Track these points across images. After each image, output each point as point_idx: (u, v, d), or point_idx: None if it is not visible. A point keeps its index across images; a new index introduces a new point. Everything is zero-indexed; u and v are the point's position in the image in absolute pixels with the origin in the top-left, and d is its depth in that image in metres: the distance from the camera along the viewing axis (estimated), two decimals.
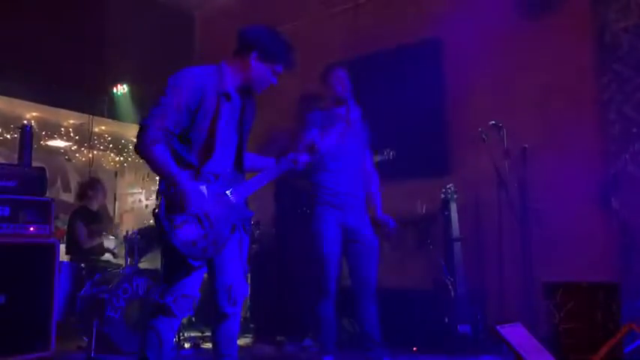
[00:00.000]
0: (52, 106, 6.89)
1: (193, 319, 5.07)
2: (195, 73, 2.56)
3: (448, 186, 4.53)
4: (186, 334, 4.72)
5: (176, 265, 2.50)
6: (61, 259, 4.37)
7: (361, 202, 3.71)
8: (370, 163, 3.89)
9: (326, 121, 3.65)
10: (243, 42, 2.67)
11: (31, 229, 3.92)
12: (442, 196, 4.55)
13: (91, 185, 5.82)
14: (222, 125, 2.56)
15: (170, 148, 2.50)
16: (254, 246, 5.10)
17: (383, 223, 3.75)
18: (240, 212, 2.62)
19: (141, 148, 2.46)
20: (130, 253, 4.73)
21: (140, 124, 2.48)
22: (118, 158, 8.32)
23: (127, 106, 6.86)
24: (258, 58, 2.64)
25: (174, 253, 2.44)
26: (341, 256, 3.63)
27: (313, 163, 3.65)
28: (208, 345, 4.37)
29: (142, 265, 4.79)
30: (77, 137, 7.74)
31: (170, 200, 2.43)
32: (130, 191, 8.72)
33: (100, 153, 8.11)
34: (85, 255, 5.31)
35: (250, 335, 5.06)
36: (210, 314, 2.70)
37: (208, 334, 4.56)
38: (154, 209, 2.44)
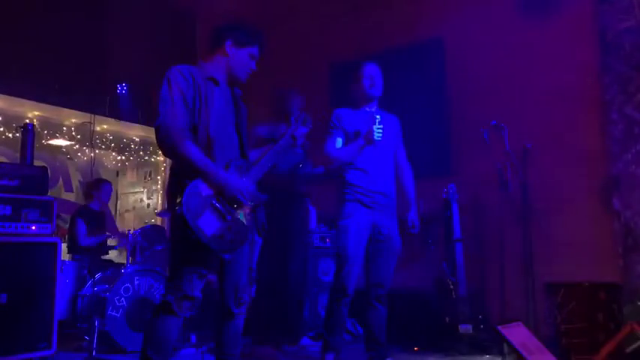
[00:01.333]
0: (54, 105, 6.90)
1: (195, 318, 5.07)
2: (180, 66, 2.61)
3: (450, 186, 4.53)
4: (187, 334, 4.72)
5: (184, 264, 2.50)
6: (62, 258, 4.37)
7: (392, 201, 3.62)
8: (403, 156, 3.79)
9: (355, 121, 3.61)
10: (216, 36, 2.73)
11: (33, 228, 3.92)
12: (444, 196, 4.55)
13: (95, 185, 5.84)
14: (216, 110, 2.59)
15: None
16: None
17: (407, 225, 3.66)
18: (255, 197, 2.62)
19: (174, 152, 2.47)
20: (131, 252, 4.73)
21: (158, 126, 2.48)
22: (119, 157, 8.33)
23: (128, 106, 6.87)
24: (233, 45, 2.69)
25: (187, 249, 2.44)
26: (365, 256, 3.57)
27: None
28: (210, 344, 4.36)
29: (144, 264, 4.79)
30: (79, 136, 7.74)
31: (191, 198, 2.42)
32: (132, 190, 8.73)
33: (102, 152, 8.12)
34: (84, 252, 5.31)
35: (248, 334, 5.06)
36: (216, 313, 2.70)
37: (209, 333, 4.56)
38: (176, 207, 2.41)
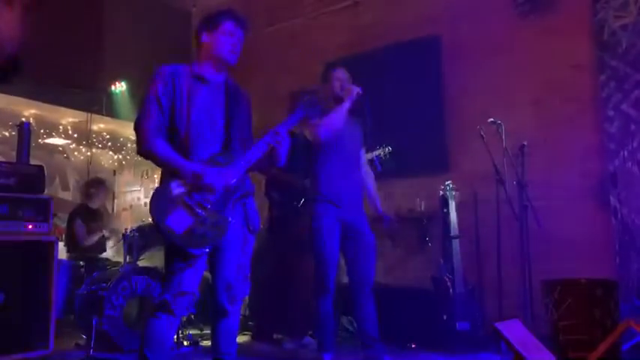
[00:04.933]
0: (50, 103, 6.89)
1: (193, 316, 5.07)
2: (165, 65, 2.67)
3: (447, 183, 4.54)
4: (185, 332, 4.72)
5: (174, 261, 2.50)
6: (60, 257, 4.36)
7: (358, 199, 3.72)
8: (363, 160, 3.91)
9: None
10: (196, 37, 2.78)
11: (30, 226, 3.91)
12: (441, 193, 4.56)
13: (94, 184, 5.83)
14: (199, 108, 2.61)
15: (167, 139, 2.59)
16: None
17: (382, 219, 3.78)
18: (238, 190, 2.60)
19: (142, 151, 2.57)
20: (128, 250, 4.72)
21: (134, 128, 2.60)
22: (116, 156, 8.31)
23: (125, 104, 6.86)
24: (207, 33, 2.73)
25: (172, 247, 2.47)
26: (339, 253, 3.65)
27: (311, 160, 3.69)
28: (207, 343, 4.37)
29: (141, 263, 4.79)
30: (76, 135, 7.72)
31: (159, 198, 2.47)
32: (129, 189, 8.72)
33: (99, 151, 8.10)
34: (84, 252, 5.31)
35: (249, 333, 5.07)
36: (210, 312, 2.70)
37: (207, 331, 4.56)
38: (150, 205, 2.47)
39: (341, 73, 3.78)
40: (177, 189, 2.48)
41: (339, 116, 3.57)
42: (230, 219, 2.53)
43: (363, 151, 3.91)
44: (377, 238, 3.73)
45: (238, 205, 2.64)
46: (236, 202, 2.60)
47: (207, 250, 2.51)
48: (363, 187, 3.81)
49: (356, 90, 3.57)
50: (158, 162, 2.58)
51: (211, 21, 2.73)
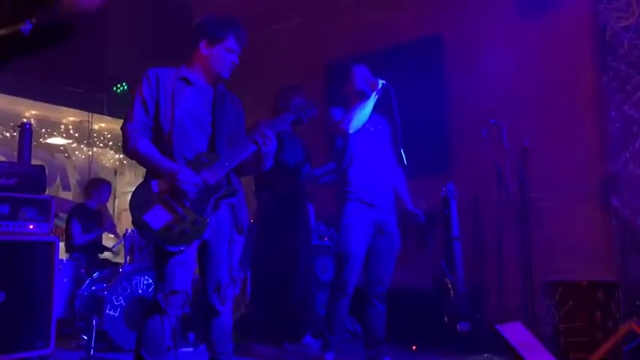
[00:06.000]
0: (51, 103, 6.90)
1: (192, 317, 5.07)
2: (151, 68, 2.70)
3: (448, 184, 4.53)
4: (185, 332, 4.72)
5: (161, 260, 2.51)
6: (60, 257, 4.36)
7: (391, 199, 3.68)
8: (395, 160, 3.82)
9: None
10: (193, 39, 2.75)
11: (31, 226, 3.91)
12: (442, 194, 4.55)
13: (95, 184, 5.83)
14: (184, 108, 2.62)
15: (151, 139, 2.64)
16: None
17: (413, 215, 3.74)
18: (220, 189, 2.59)
19: (127, 151, 2.65)
20: (129, 251, 4.73)
21: (121, 129, 2.66)
22: (117, 156, 8.32)
23: (126, 104, 6.86)
24: (207, 44, 2.70)
25: (158, 247, 2.49)
26: (366, 254, 3.59)
27: (343, 160, 3.63)
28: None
29: (141, 263, 4.78)
30: (77, 135, 7.74)
31: (138, 195, 2.53)
32: (130, 189, 8.71)
33: (100, 150, 8.11)
34: (81, 251, 5.30)
35: (249, 333, 5.05)
36: (203, 312, 2.71)
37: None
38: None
39: (364, 69, 3.73)
40: (157, 187, 2.52)
41: (365, 108, 3.51)
42: (208, 218, 2.53)
43: (393, 149, 3.81)
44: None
45: (224, 205, 2.65)
46: (219, 201, 2.60)
47: (183, 248, 2.50)
48: (394, 186, 3.75)
49: (381, 82, 3.53)
50: (141, 162, 2.63)
51: (214, 33, 2.69)
